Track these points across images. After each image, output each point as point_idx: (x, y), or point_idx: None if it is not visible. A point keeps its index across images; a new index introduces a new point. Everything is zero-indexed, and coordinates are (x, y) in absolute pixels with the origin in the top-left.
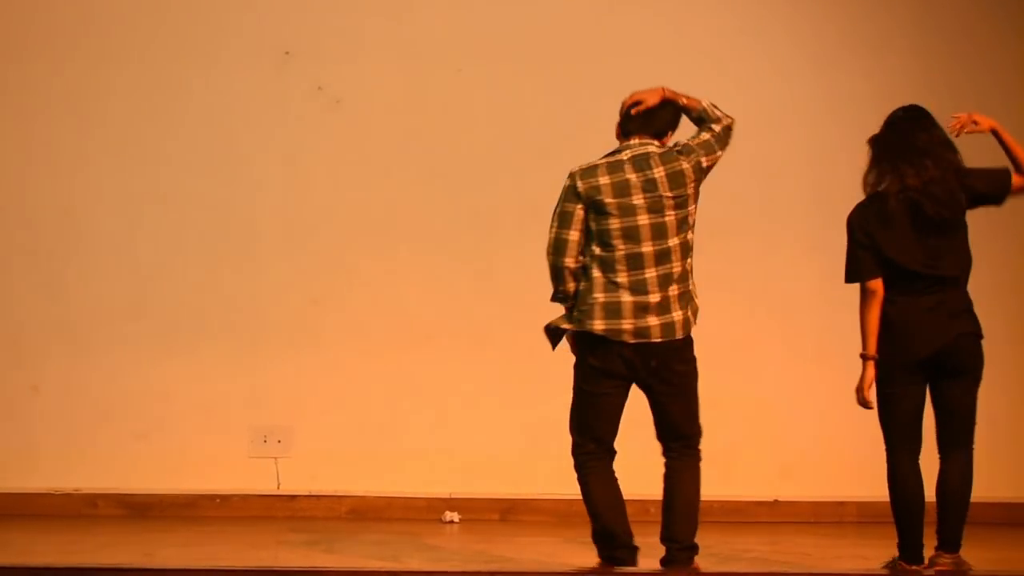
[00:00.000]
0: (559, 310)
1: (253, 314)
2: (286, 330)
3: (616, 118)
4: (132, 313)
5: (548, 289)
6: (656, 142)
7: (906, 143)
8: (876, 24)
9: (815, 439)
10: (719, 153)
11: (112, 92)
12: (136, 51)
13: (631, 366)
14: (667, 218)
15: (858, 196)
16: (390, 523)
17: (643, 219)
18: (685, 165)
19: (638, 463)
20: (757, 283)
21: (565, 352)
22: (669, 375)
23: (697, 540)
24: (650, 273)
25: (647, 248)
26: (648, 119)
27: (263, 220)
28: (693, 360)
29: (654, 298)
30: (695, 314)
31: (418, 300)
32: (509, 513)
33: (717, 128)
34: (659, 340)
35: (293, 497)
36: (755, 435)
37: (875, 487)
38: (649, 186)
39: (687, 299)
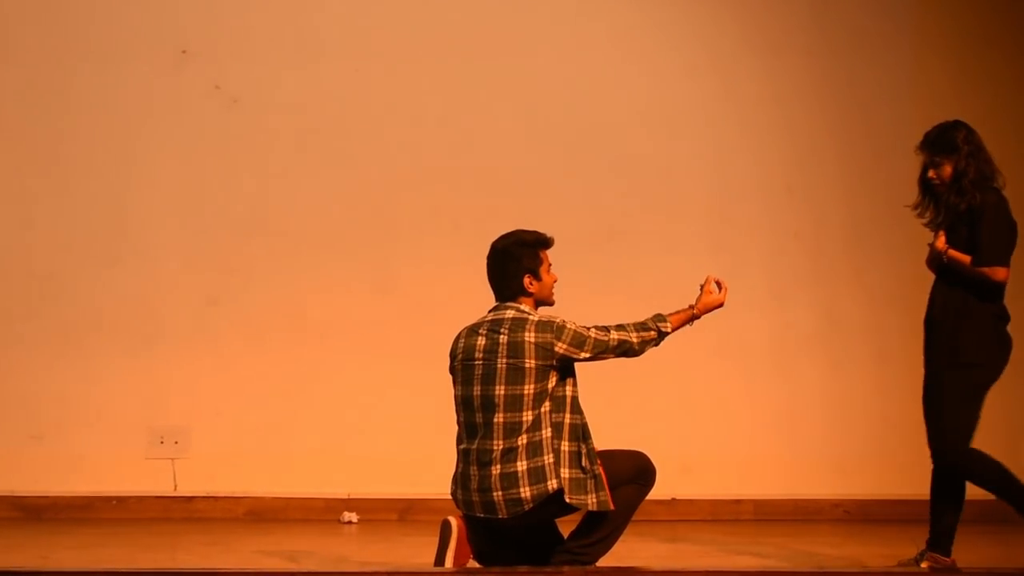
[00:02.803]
0: (448, 310)
1: (149, 315)
2: (183, 331)
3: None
4: (26, 313)
5: (445, 288)
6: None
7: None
8: (776, 24)
9: (713, 438)
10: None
11: (5, 90)
12: (30, 49)
13: None
14: None
15: (757, 197)
16: (288, 524)
17: None
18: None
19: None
20: (657, 282)
21: None
22: None
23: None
24: None
25: None
26: None
27: (159, 220)
28: None
29: None
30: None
31: (315, 301)
32: (407, 513)
33: (635, 345)
34: None
35: (190, 498)
36: (653, 434)
37: (771, 485)
38: None
39: None
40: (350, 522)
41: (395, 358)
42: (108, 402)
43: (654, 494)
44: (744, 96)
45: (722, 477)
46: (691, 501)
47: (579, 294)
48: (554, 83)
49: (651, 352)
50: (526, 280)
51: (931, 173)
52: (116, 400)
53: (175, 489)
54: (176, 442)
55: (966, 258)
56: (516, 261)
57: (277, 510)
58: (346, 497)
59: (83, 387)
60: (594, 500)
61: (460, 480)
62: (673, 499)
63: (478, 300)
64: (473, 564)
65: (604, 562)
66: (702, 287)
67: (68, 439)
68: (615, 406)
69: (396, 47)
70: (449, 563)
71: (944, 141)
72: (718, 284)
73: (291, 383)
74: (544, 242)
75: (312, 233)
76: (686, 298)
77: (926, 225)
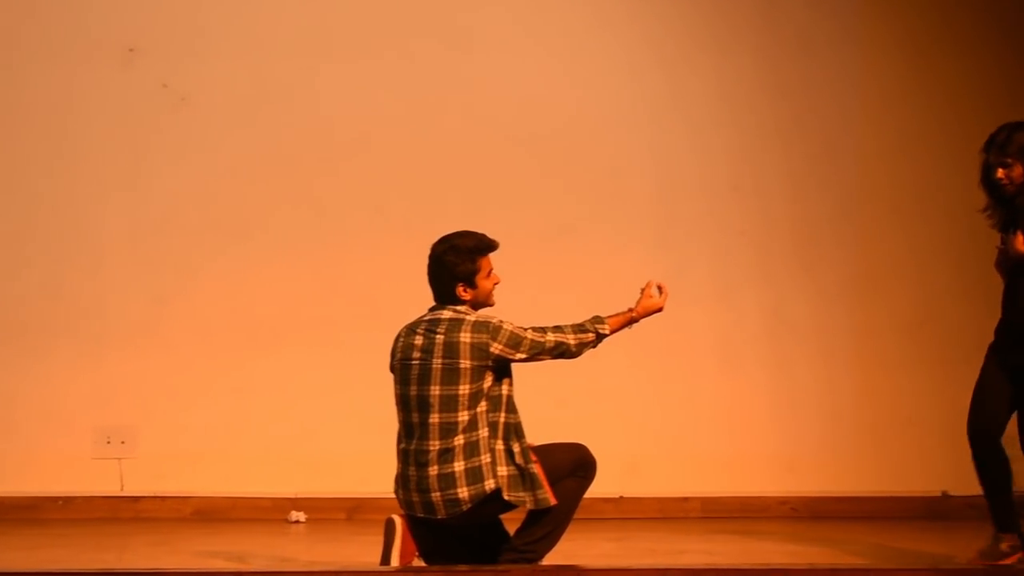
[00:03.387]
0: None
1: (97, 313)
2: (130, 330)
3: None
4: None
5: (393, 287)
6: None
7: None
8: (723, 24)
9: (660, 436)
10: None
11: None
12: None
13: None
14: None
15: (704, 195)
16: (235, 524)
17: None
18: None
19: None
20: (603, 280)
21: None
22: None
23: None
24: None
25: None
26: None
27: (107, 219)
28: None
29: None
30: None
31: (264, 300)
32: (356, 512)
33: (572, 347)
34: None
35: (137, 498)
36: (600, 432)
37: (719, 482)
38: None
39: None
40: (298, 521)
41: (344, 358)
42: (55, 402)
43: (601, 492)
44: (691, 95)
45: (669, 475)
46: (638, 499)
47: (525, 291)
48: (502, 82)
49: (598, 350)
50: (459, 288)
51: (1000, 173)
52: (63, 400)
53: (122, 489)
54: (123, 442)
55: None
56: (449, 270)
57: (225, 510)
58: (294, 496)
59: (30, 387)
60: (531, 498)
61: (400, 480)
62: (620, 497)
63: (427, 300)
64: (419, 562)
65: (551, 560)
66: (642, 290)
67: (14, 439)
68: (563, 404)
69: (346, 46)
70: (395, 562)
71: (1015, 143)
72: (659, 288)
73: (239, 383)
74: (483, 248)
75: (261, 233)
76: (632, 296)
77: (993, 227)
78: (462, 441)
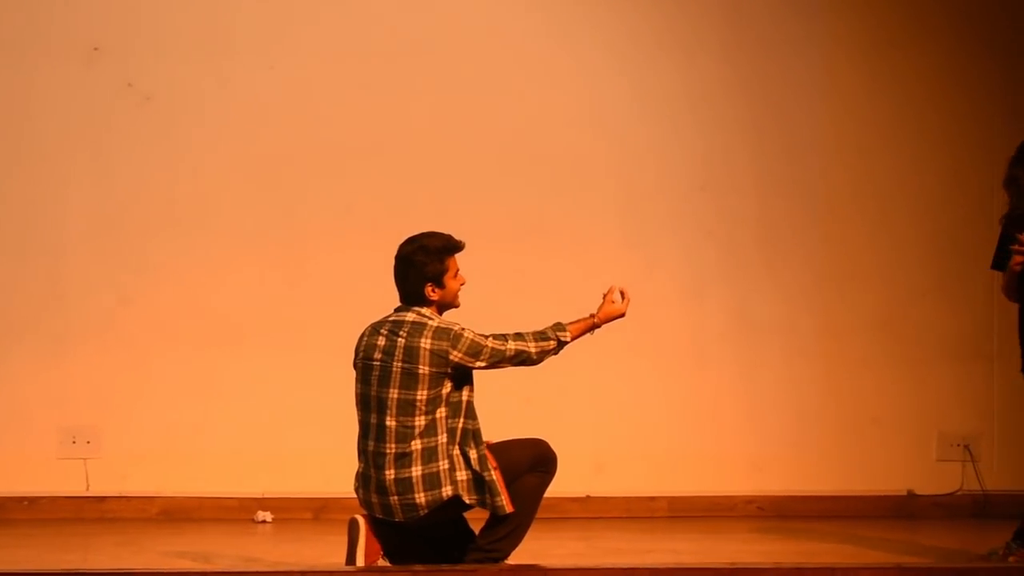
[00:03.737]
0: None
1: (60, 313)
2: (94, 329)
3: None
4: None
5: (360, 287)
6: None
7: None
8: (688, 25)
9: (627, 435)
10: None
11: None
12: None
13: None
14: None
15: (670, 196)
16: (201, 524)
17: None
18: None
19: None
20: (570, 280)
21: None
22: None
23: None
24: None
25: None
26: None
27: (70, 218)
28: None
29: None
30: None
31: (228, 299)
32: (322, 512)
33: (533, 354)
34: None
35: (102, 499)
36: (567, 431)
37: (685, 481)
38: None
39: None
40: (264, 521)
41: (309, 356)
42: (19, 402)
43: (568, 491)
44: (657, 95)
45: (636, 474)
46: (605, 498)
47: (491, 292)
48: (466, 82)
49: (565, 350)
50: (427, 288)
51: None
52: (27, 400)
53: (87, 489)
54: (88, 442)
55: None
56: (418, 269)
57: (190, 510)
58: (260, 496)
59: None
60: (490, 503)
61: (361, 479)
62: (587, 496)
63: (394, 300)
64: (384, 562)
65: (518, 558)
66: (604, 296)
67: None
68: (530, 403)
69: (310, 45)
70: (360, 561)
71: None
72: (621, 293)
73: (204, 382)
74: (450, 248)
75: (225, 231)
76: (596, 296)
77: (1003, 227)
78: (419, 446)
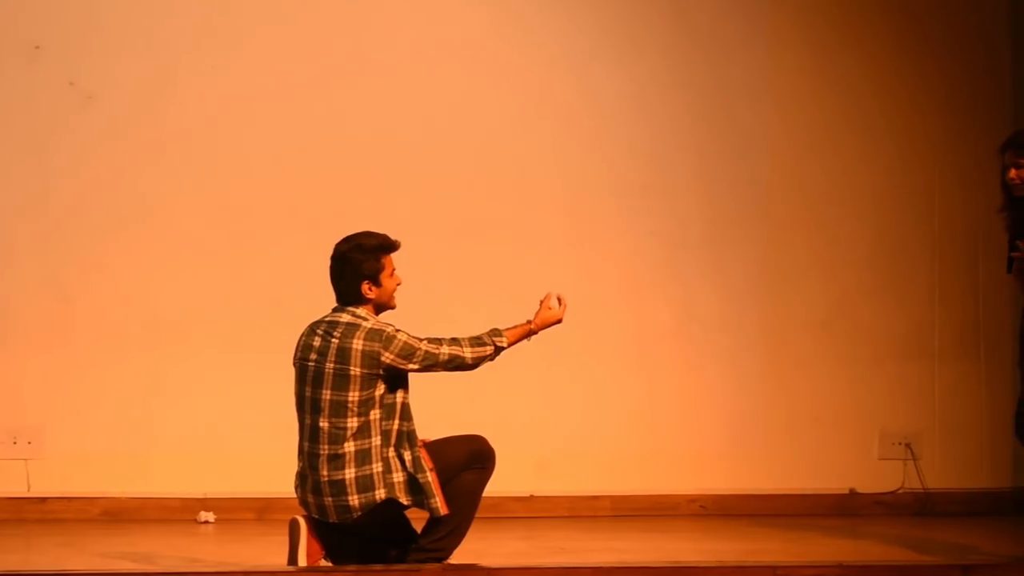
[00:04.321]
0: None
1: (2, 313)
2: (36, 329)
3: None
4: None
5: (302, 286)
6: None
7: None
8: (633, 22)
9: (570, 434)
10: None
11: None
12: None
13: None
14: None
15: (614, 194)
16: (144, 524)
17: None
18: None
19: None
20: (513, 279)
21: None
22: None
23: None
24: None
25: None
26: None
27: (12, 218)
28: None
29: None
30: None
31: (171, 298)
32: (265, 512)
33: (468, 360)
34: None
35: (44, 499)
36: (511, 431)
37: (629, 480)
38: None
39: None
40: (207, 522)
41: (252, 356)
42: None
43: (511, 490)
44: (601, 93)
45: (579, 473)
46: (549, 498)
47: (432, 292)
48: (410, 79)
49: (509, 350)
50: (364, 286)
51: (1012, 173)
52: None
53: (28, 490)
54: (29, 442)
55: None
56: (355, 267)
57: (133, 510)
58: (203, 497)
59: None
60: (425, 504)
61: (299, 479)
62: (531, 496)
63: (334, 298)
64: (325, 562)
65: (461, 558)
66: (541, 302)
67: None
68: (473, 402)
69: (252, 44)
70: (302, 561)
71: None
72: (558, 299)
73: (147, 382)
74: (386, 247)
75: (168, 231)
76: (539, 295)
77: (1005, 230)
78: (353, 448)
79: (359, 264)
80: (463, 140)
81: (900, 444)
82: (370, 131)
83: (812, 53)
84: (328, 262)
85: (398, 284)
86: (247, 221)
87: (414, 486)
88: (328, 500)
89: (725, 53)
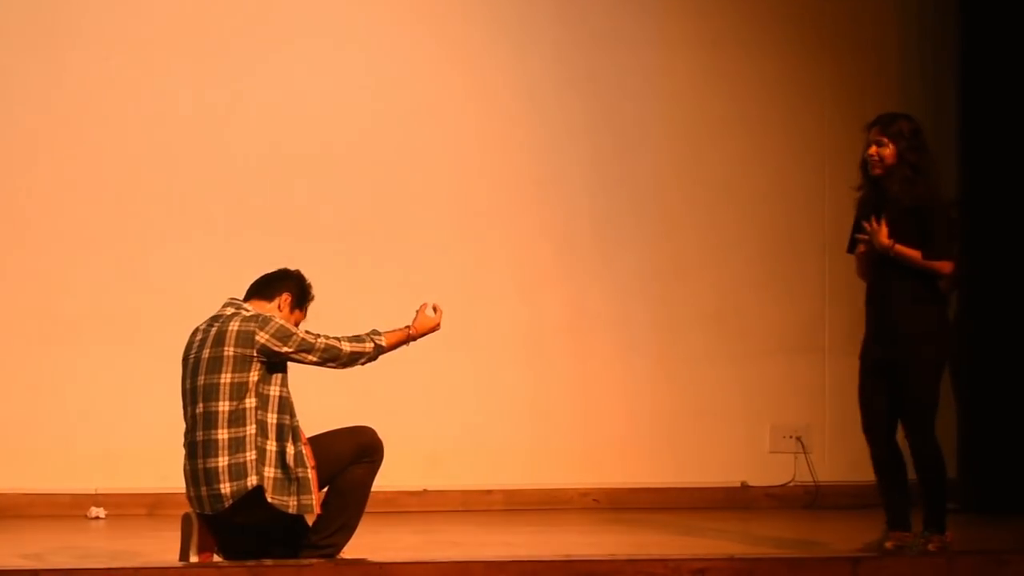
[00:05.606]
0: (198, 305)
1: None
2: None
3: None
4: None
5: (193, 284)
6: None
7: None
8: (524, 18)
9: (462, 429)
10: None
11: None
12: None
13: None
14: None
15: (505, 190)
16: (33, 520)
17: None
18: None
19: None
20: (402, 274)
21: None
22: None
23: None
24: None
25: None
26: None
27: None
28: None
29: None
30: None
31: (61, 292)
32: (156, 508)
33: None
34: None
35: None
36: (403, 425)
37: (521, 475)
38: None
39: None
40: (98, 518)
41: (144, 353)
42: None
43: (404, 485)
44: (491, 89)
45: (472, 467)
46: (441, 492)
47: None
48: (297, 75)
49: (389, 353)
50: (283, 297)
51: (872, 150)
52: None
53: None
54: None
55: (916, 253)
56: (297, 283)
57: (21, 507)
58: (93, 492)
59: None
60: (295, 503)
61: (183, 474)
62: (424, 490)
63: (226, 297)
64: (217, 558)
65: (354, 552)
66: (418, 311)
67: None
68: (365, 395)
69: (146, 37)
70: (193, 557)
71: (896, 126)
72: (435, 308)
73: (37, 377)
74: (310, 299)
75: (60, 227)
76: (433, 292)
77: (857, 209)
78: (226, 436)
79: (299, 285)
80: (352, 137)
81: (791, 438)
82: (258, 127)
83: (703, 51)
84: (220, 260)
85: (295, 323)
86: (140, 216)
87: (286, 484)
88: (203, 490)
89: (613, 51)
